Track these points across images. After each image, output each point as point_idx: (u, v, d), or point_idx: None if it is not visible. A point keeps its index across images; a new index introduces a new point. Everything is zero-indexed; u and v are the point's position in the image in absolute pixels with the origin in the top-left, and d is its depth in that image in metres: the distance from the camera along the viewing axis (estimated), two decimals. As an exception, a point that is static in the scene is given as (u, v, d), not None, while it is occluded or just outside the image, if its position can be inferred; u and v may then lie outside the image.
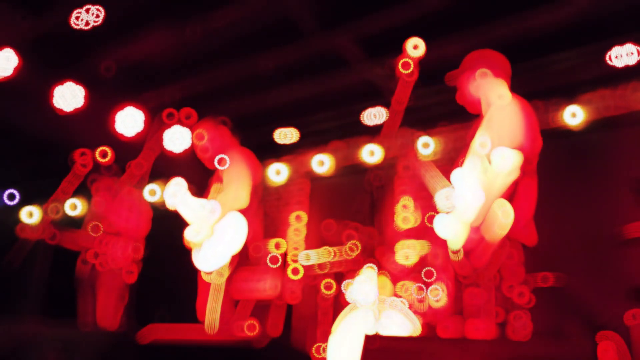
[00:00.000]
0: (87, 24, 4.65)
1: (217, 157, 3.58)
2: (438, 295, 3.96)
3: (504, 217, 2.39)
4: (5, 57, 4.99)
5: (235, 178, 3.46)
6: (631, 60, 4.79)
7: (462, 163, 2.85)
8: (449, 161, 2.91)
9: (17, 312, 7.77)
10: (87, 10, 4.64)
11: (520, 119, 2.59)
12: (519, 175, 2.53)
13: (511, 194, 2.54)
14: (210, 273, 3.33)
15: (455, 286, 2.73)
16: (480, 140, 2.71)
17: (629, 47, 4.76)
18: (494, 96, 2.73)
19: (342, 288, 4.90)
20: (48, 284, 7.82)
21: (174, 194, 3.42)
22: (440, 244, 2.97)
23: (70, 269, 4.50)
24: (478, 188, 2.67)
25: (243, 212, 3.43)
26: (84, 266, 4.27)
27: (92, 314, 4.20)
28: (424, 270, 2.95)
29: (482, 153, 2.68)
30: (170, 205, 3.53)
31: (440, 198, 2.75)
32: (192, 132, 3.71)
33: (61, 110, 5.44)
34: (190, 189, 3.75)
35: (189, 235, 3.43)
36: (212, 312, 3.29)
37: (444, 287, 2.81)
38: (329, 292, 4.96)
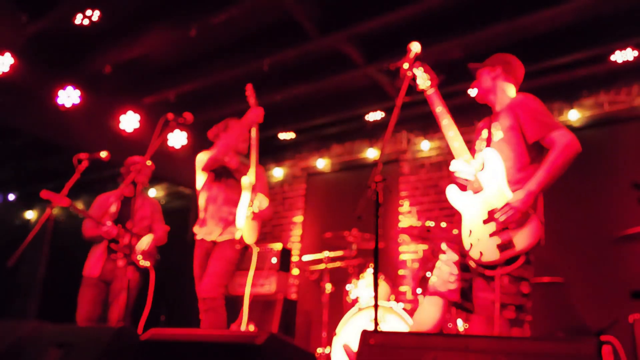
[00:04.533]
0: (85, 19, 4.70)
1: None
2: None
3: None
4: (3, 58, 5.03)
5: (265, 197, 3.91)
6: (630, 58, 4.82)
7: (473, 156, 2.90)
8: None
9: (17, 312, 7.78)
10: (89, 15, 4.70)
11: (542, 109, 2.78)
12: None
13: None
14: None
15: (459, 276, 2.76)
16: (496, 130, 2.85)
17: (629, 50, 4.79)
18: (505, 95, 2.97)
19: (346, 289, 4.90)
20: (48, 284, 7.84)
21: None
22: (443, 240, 3.01)
23: (69, 269, 4.49)
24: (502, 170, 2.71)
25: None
26: (103, 263, 4.30)
27: (97, 311, 4.24)
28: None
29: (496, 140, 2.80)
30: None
31: (460, 166, 2.83)
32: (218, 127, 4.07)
33: (62, 106, 5.46)
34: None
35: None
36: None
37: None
38: (330, 292, 4.96)
